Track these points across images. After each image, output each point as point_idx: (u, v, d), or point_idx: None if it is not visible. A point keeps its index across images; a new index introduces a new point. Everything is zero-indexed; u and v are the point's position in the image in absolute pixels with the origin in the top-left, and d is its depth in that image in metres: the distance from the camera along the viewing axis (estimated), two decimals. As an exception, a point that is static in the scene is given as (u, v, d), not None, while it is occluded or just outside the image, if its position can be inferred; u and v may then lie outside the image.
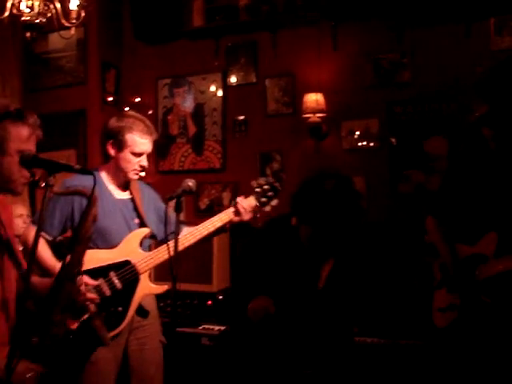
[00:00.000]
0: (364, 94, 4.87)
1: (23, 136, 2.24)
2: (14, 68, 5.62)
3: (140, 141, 3.09)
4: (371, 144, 4.83)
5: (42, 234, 2.98)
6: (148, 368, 3.24)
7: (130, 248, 3.08)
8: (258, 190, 3.25)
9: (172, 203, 2.69)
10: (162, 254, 3.06)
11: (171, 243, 3.04)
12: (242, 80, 5.39)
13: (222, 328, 4.24)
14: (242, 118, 5.34)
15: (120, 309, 2.99)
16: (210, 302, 4.52)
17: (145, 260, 3.07)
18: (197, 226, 3.19)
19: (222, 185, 5.37)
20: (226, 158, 5.41)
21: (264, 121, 5.24)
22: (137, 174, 3.15)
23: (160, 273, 4.67)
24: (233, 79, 5.42)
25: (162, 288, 3.16)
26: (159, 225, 3.24)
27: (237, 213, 3.19)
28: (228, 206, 3.29)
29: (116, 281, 2.98)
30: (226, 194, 5.34)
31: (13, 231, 2.45)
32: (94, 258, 2.93)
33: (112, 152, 3.10)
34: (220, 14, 5.29)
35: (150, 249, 3.28)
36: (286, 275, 2.61)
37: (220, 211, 5.20)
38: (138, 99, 5.75)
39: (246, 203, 3.20)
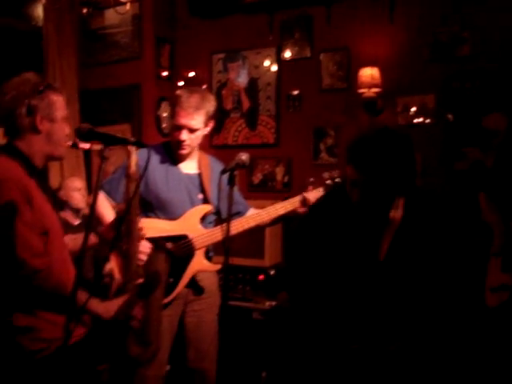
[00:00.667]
0: (421, 68, 4.75)
1: (62, 102, 2.38)
2: (71, 44, 5.70)
3: (178, 112, 3.13)
4: (427, 120, 4.73)
5: (109, 198, 3.09)
6: (203, 341, 3.28)
7: (190, 223, 3.12)
8: (328, 182, 3.23)
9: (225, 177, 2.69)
10: (220, 233, 3.04)
11: (237, 223, 3.13)
12: (297, 54, 5.34)
13: (273, 303, 4.26)
14: (296, 92, 5.30)
15: (171, 280, 3.03)
16: (261, 277, 4.54)
17: (202, 237, 3.11)
18: (259, 211, 3.20)
19: (276, 160, 5.36)
20: (280, 132, 5.39)
21: (318, 96, 5.18)
22: (178, 147, 3.16)
23: (215, 248, 4.74)
24: (287, 54, 5.37)
25: (215, 266, 3.19)
26: (225, 202, 3.26)
27: (303, 203, 3.17)
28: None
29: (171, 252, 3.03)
30: (279, 169, 5.34)
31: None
32: (154, 227, 3.00)
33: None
34: (274, -13, 5.24)
35: (214, 225, 3.29)
36: (343, 247, 2.54)
37: (273, 187, 5.28)
38: (192, 74, 5.76)
39: (314, 195, 3.17)
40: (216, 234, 3.10)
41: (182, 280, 3.06)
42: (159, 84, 5.71)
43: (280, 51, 5.39)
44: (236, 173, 2.60)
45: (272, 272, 4.54)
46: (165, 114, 5.73)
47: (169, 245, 3.04)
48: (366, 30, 4.94)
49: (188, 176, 3.22)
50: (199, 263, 3.12)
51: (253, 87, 5.53)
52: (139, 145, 2.39)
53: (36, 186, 2.31)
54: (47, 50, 5.51)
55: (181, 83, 5.74)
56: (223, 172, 2.58)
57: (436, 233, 2.34)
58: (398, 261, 2.38)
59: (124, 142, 2.31)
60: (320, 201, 2.95)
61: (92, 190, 3.28)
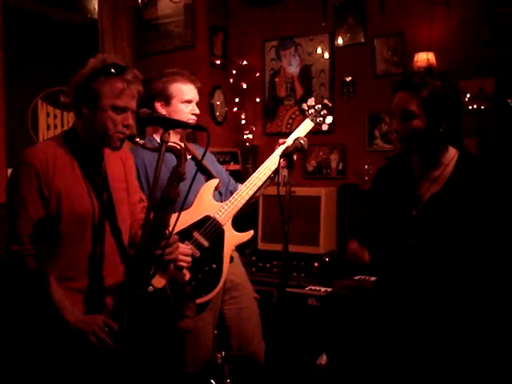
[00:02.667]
0: (479, 51, 4.62)
1: (116, 90, 2.28)
2: (126, 34, 5.79)
3: (185, 88, 3.11)
4: (485, 105, 4.62)
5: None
6: (246, 326, 3.29)
7: (205, 203, 3.09)
8: (311, 111, 3.22)
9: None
10: (239, 199, 3.08)
11: (243, 188, 3.10)
12: (350, 40, 5.28)
13: (329, 289, 4.26)
14: (349, 79, 5.25)
15: (214, 266, 3.02)
16: (316, 264, 4.53)
17: (223, 210, 3.08)
18: (249, 178, 3.16)
19: (330, 147, 5.33)
20: (334, 119, 5.35)
21: (373, 81, 5.12)
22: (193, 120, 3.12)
23: (268, 233, 4.76)
24: (340, 40, 5.32)
25: (248, 234, 3.16)
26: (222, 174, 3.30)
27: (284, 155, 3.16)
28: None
29: (202, 239, 3.01)
30: (333, 156, 5.30)
31: (121, 193, 2.51)
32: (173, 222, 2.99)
33: (161, 110, 3.11)
34: (326, -27, 5.19)
35: (224, 196, 3.28)
36: (391, 200, 2.53)
37: (328, 174, 5.25)
38: (245, 62, 5.77)
39: (292, 137, 3.10)
40: (234, 202, 3.08)
41: (224, 261, 3.05)
42: (212, 72, 5.75)
43: (333, 37, 5.34)
44: (294, 156, 2.60)
45: (327, 259, 4.53)
46: (218, 103, 5.76)
47: (196, 234, 3.01)
48: (421, 14, 4.84)
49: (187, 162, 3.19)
50: (232, 237, 3.10)
51: (306, 74, 5.50)
52: (199, 128, 2.37)
53: (77, 167, 2.34)
54: (103, 42, 5.61)
55: (234, 71, 5.77)
56: (283, 156, 2.57)
57: (486, 193, 2.31)
58: (439, 214, 2.35)
59: (184, 126, 2.34)
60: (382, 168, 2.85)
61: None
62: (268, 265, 4.70)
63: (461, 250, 2.32)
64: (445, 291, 2.32)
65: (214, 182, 3.16)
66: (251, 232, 3.19)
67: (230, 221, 3.11)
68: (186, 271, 2.89)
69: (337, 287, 4.15)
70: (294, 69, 5.55)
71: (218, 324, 3.27)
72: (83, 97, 2.31)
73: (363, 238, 2.64)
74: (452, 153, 2.42)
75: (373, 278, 4.09)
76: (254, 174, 3.15)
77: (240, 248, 3.34)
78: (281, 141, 3.17)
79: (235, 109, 5.83)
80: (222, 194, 3.29)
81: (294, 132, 3.17)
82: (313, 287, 4.36)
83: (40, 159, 2.26)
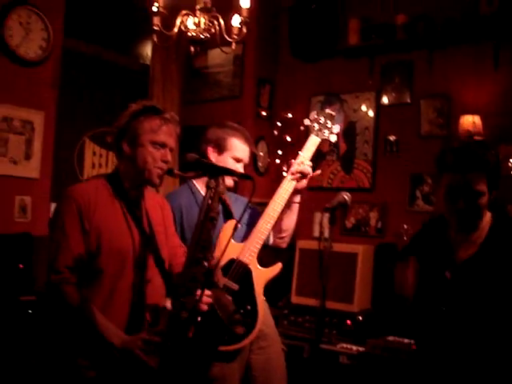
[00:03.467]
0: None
1: (155, 127, 2.42)
2: (175, 81, 5.92)
3: (241, 147, 3.13)
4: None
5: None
6: (273, 378, 3.20)
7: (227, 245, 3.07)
8: (315, 125, 3.18)
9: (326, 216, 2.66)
10: (259, 235, 3.02)
11: (262, 222, 3.04)
12: (396, 100, 5.32)
13: (361, 348, 4.19)
14: (393, 138, 5.26)
15: (248, 307, 2.96)
16: (349, 322, 4.47)
17: (246, 250, 3.02)
18: (265, 211, 3.09)
19: (370, 205, 5.32)
20: (376, 177, 5.35)
21: (416, 142, 5.12)
22: (232, 179, 3.12)
23: (303, 287, 4.72)
24: (386, 99, 5.36)
25: (276, 267, 3.08)
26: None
27: (299, 177, 3.10)
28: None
29: (230, 284, 2.95)
30: (373, 215, 5.28)
31: (160, 236, 2.54)
32: None
33: (212, 156, 3.12)
34: (376, 32, 5.27)
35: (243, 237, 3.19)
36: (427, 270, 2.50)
37: (366, 232, 5.22)
38: (290, 115, 5.83)
39: (306, 149, 3.10)
40: (255, 238, 3.03)
41: (257, 300, 2.99)
42: (258, 123, 5.82)
43: (379, 96, 5.38)
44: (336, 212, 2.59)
45: (360, 318, 4.47)
46: (261, 153, 5.81)
47: (222, 279, 2.95)
48: (469, 77, 4.87)
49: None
50: (261, 275, 3.04)
51: (350, 131, 5.53)
52: (244, 177, 2.41)
53: (120, 208, 2.41)
54: (152, 87, 5.75)
55: (278, 123, 5.83)
56: (326, 210, 2.57)
57: None
58: (474, 278, 2.33)
59: (231, 174, 2.37)
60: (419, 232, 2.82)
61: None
62: (300, 319, 4.65)
63: (494, 314, 2.28)
64: (482, 356, 2.28)
65: (232, 223, 3.07)
66: (279, 264, 3.11)
67: (255, 259, 3.05)
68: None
69: (370, 347, 4.09)
70: (338, 124, 5.58)
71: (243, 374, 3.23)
72: (124, 136, 2.43)
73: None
74: (487, 216, 2.42)
75: (406, 340, 4.02)
76: (270, 205, 3.10)
77: (273, 300, 3.30)
78: (292, 161, 3.16)
79: (278, 160, 5.86)
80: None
81: (303, 150, 3.17)
82: (344, 345, 4.30)
83: (82, 195, 2.35)
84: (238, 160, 3.14)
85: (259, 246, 3.05)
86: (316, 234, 5.25)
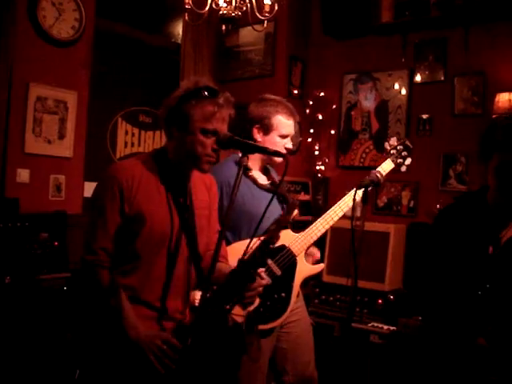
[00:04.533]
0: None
1: (207, 114, 2.28)
2: (206, 59, 5.90)
3: (287, 123, 3.13)
4: None
5: None
6: (303, 352, 3.25)
7: (282, 232, 3.04)
8: (392, 151, 3.20)
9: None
10: (315, 231, 3.06)
11: (322, 221, 3.06)
12: (429, 78, 5.24)
13: (392, 328, 4.19)
14: (426, 116, 5.20)
15: (283, 294, 3.02)
16: (380, 301, 4.46)
17: (298, 241, 3.06)
18: (327, 211, 3.12)
19: (402, 184, 5.28)
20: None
21: (450, 120, 5.06)
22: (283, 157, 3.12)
23: (334, 266, 4.72)
24: (419, 77, 5.29)
25: (319, 267, 3.16)
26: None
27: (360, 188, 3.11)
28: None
29: (275, 268, 3.00)
30: (405, 194, 5.25)
31: (203, 220, 2.49)
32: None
33: (258, 136, 3.13)
34: (409, 9, 5.18)
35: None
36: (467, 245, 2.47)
37: (398, 211, 5.19)
38: (322, 93, 5.79)
39: (381, 168, 3.07)
40: (310, 234, 3.06)
41: (293, 291, 3.05)
42: (290, 102, 5.77)
43: (412, 74, 5.31)
44: (369, 190, 2.58)
45: (391, 297, 4.45)
46: (293, 132, 5.78)
47: (270, 262, 3.00)
48: (505, 54, 4.78)
49: (266, 187, 3.15)
50: (304, 269, 3.09)
51: (382, 109, 5.49)
52: (278, 155, 2.38)
53: (163, 188, 2.35)
54: (183, 66, 5.74)
55: (310, 102, 5.80)
56: (359, 187, 2.56)
57: None
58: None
59: (263, 151, 2.32)
60: (450, 206, 2.80)
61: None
62: (331, 298, 4.66)
63: None
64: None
65: (294, 212, 3.15)
66: (322, 265, 3.19)
67: (304, 252, 3.09)
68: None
69: (401, 326, 4.08)
70: (370, 103, 5.54)
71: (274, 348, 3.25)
72: (175, 119, 2.33)
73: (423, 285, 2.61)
74: None
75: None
76: (333, 207, 3.12)
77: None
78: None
79: (309, 139, 5.85)
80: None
81: (378, 168, 3.10)
82: (375, 324, 4.30)
83: (126, 175, 2.29)
84: (284, 136, 3.14)
85: (312, 241, 3.08)
86: (348, 212, 5.23)
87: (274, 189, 3.10)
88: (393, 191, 5.32)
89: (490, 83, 4.85)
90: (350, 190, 2.80)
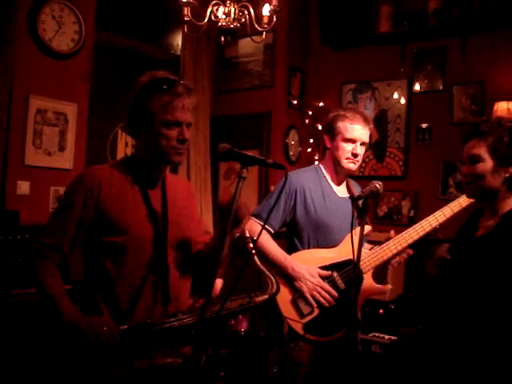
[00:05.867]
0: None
1: (164, 104, 2.22)
2: (206, 70, 5.93)
3: (350, 126, 3.05)
4: None
5: (266, 226, 2.99)
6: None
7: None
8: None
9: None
10: (386, 251, 3.00)
11: (395, 241, 3.01)
12: (428, 87, 5.27)
13: (393, 337, 4.18)
14: (426, 125, 5.21)
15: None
16: (381, 311, 4.46)
17: (368, 258, 2.99)
18: (420, 222, 3.07)
19: (402, 193, 5.28)
20: (408, 165, 5.32)
21: (449, 129, 5.07)
22: (351, 162, 3.08)
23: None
24: (418, 86, 5.31)
25: (386, 287, 3.09)
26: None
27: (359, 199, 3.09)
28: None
29: (339, 281, 2.95)
30: (405, 203, 5.25)
31: (187, 211, 2.45)
32: (316, 257, 2.96)
33: (327, 143, 3.13)
34: (408, 19, 5.22)
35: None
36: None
37: (398, 220, 5.19)
38: (321, 104, 5.81)
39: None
40: (381, 253, 3.00)
41: (356, 310, 2.96)
42: (289, 112, 5.81)
43: (411, 83, 5.33)
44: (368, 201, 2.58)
45: (392, 306, 4.45)
46: (293, 142, 5.81)
47: (335, 274, 2.96)
48: (503, 62, 4.81)
49: (343, 199, 3.14)
50: (370, 287, 3.01)
51: (382, 119, 5.50)
52: (277, 167, 2.35)
53: (137, 190, 2.30)
54: (183, 78, 5.74)
55: (310, 112, 5.81)
56: (358, 199, 2.56)
57: None
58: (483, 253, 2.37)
59: (262, 163, 2.20)
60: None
61: (256, 212, 3.14)
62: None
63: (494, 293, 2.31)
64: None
65: (367, 228, 3.07)
66: (389, 286, 3.13)
67: (371, 271, 3.02)
68: (315, 308, 2.89)
69: (401, 336, 4.07)
70: (370, 113, 5.56)
71: None
72: (136, 117, 2.29)
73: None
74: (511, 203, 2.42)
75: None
76: (414, 226, 3.07)
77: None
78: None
79: (309, 149, 5.86)
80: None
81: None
82: (376, 334, 4.30)
83: (93, 179, 2.26)
84: (349, 140, 3.06)
85: (382, 261, 3.02)
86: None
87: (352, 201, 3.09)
88: (393, 200, 5.32)
89: (489, 92, 4.88)
90: (358, 195, 2.76)
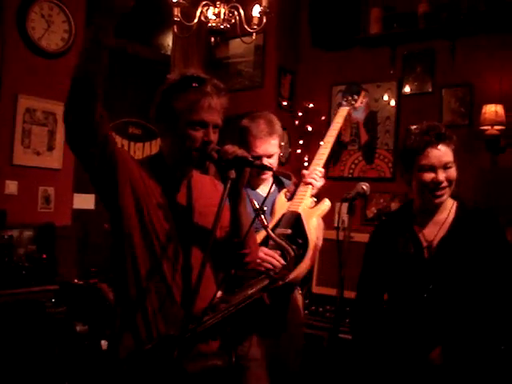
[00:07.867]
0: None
1: (191, 104, 2.12)
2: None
3: (255, 143, 3.13)
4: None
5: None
6: (287, 353, 3.23)
7: (280, 208, 3.14)
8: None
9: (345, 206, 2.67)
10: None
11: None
12: (417, 89, 5.29)
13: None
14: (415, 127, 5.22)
15: (300, 241, 3.00)
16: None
17: (294, 201, 3.13)
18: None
19: (391, 194, 5.30)
20: (397, 167, 5.33)
21: (438, 131, 5.08)
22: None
23: (323, 277, 4.72)
24: (407, 88, 5.33)
25: (322, 203, 3.17)
26: None
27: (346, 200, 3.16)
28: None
29: (284, 231, 3.00)
30: (394, 205, 5.26)
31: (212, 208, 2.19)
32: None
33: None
34: (397, 21, 5.24)
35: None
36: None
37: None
38: (311, 105, 5.82)
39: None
40: (301, 188, 3.17)
41: (307, 233, 3.04)
42: (279, 113, 5.79)
43: (401, 85, 5.35)
44: (355, 202, 2.60)
45: (381, 307, 4.45)
46: (282, 143, 5.79)
47: (278, 230, 3.03)
48: (492, 66, 4.83)
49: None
50: (308, 213, 3.11)
51: (371, 120, 5.51)
52: (265, 168, 2.33)
53: (159, 190, 2.18)
54: (173, 78, 5.74)
55: (300, 113, 5.82)
56: (344, 200, 2.57)
57: (486, 243, 2.40)
58: (450, 258, 2.41)
59: (250, 165, 2.13)
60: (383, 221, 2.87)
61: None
62: (321, 309, 4.66)
63: (472, 290, 2.36)
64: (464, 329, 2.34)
65: (283, 191, 3.23)
66: (325, 200, 3.18)
67: (303, 201, 3.12)
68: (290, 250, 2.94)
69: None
70: (359, 114, 5.56)
71: None
72: (162, 116, 2.18)
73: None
74: (450, 199, 2.53)
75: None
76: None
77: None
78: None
79: (299, 151, 5.86)
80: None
81: (333, 121, 3.55)
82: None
83: (136, 163, 2.18)
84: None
85: (307, 190, 3.15)
86: (336, 224, 5.24)
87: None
88: (382, 202, 5.34)
89: (477, 95, 4.90)
90: (338, 202, 2.79)
